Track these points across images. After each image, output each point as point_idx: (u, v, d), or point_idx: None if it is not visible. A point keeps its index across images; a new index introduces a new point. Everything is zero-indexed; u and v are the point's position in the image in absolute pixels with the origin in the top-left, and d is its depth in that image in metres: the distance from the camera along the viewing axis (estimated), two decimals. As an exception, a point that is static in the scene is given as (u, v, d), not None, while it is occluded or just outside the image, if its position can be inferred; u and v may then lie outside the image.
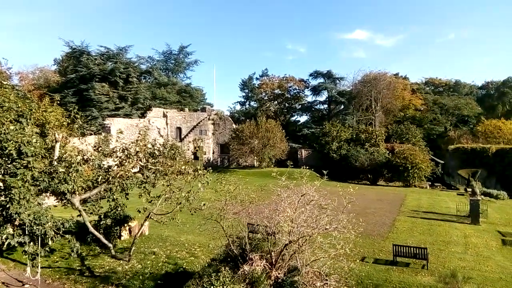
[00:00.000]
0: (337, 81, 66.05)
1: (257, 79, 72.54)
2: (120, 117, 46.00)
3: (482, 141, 49.87)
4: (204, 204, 13.17)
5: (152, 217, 13.99)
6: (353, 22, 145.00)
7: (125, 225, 16.72)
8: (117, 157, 14.85)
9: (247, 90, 72.12)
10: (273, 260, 10.65)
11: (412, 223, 21.38)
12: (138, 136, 15.11)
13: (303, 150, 50.71)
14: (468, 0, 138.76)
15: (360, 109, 60.24)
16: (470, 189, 28.63)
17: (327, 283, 9.82)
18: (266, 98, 70.36)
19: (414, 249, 14.07)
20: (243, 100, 73.75)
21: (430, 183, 41.46)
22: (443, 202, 28.95)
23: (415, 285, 12.42)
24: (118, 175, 14.41)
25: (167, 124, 51.23)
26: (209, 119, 52.11)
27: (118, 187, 14.41)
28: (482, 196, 29.28)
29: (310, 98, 69.20)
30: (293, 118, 72.20)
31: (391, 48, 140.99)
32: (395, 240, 17.32)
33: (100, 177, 14.13)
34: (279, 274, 10.32)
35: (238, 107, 74.92)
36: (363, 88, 58.36)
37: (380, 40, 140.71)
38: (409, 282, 12.61)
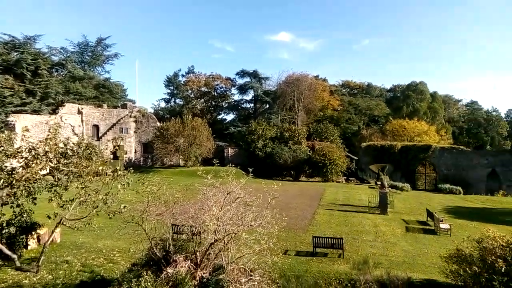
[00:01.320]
0: (263, 81, 67.76)
1: (183, 76, 71.08)
2: (27, 113, 41.25)
3: (390, 138, 55.53)
4: (124, 207, 12.43)
5: (64, 223, 12.81)
6: (278, 25, 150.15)
7: (33, 233, 15.09)
8: (22, 157, 13.25)
9: (172, 87, 70.19)
10: (198, 260, 10.53)
11: (330, 215, 22.91)
12: (48, 135, 13.67)
13: (229, 148, 51.02)
14: (381, 12, 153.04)
15: (284, 108, 62.65)
16: (379, 183, 31.59)
17: (251, 278, 10.01)
18: (192, 95, 69.22)
19: (332, 239, 15.11)
20: (168, 97, 71.71)
21: (345, 177, 44.88)
22: (357, 195, 31.54)
23: (332, 273, 13.34)
24: (23, 178, 12.86)
25: (82, 121, 47.38)
26: (130, 116, 49.48)
27: (23, 191, 12.87)
28: (390, 189, 32.53)
29: (237, 97, 70.10)
30: (220, 117, 72.30)
31: (313, 51, 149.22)
32: (315, 232, 18.38)
33: (2, 180, 12.49)
34: (204, 273, 10.24)
35: (163, 104, 72.66)
36: (287, 89, 60.81)
37: (303, 43, 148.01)
38: (327, 271, 13.50)
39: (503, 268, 9.92)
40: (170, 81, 70.05)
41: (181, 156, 46.27)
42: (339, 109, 71.51)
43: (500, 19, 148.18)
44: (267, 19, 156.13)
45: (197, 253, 10.61)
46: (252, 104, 69.44)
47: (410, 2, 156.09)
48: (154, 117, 52.22)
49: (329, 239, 15.18)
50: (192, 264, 10.47)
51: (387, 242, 17.63)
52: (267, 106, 67.75)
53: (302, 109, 62.04)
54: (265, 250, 10.17)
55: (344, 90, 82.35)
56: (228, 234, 10.03)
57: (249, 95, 67.76)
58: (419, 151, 44.97)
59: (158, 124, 49.40)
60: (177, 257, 10.37)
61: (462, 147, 46.91)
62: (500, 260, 10.15)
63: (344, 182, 43.23)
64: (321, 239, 15.24)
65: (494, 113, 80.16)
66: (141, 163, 49.41)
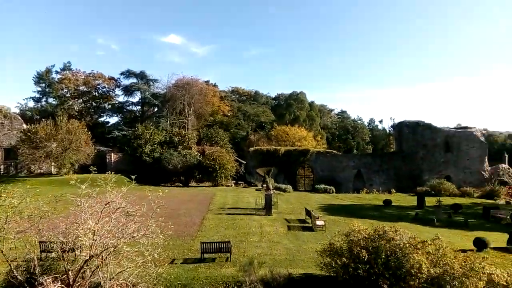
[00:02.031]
0: (151, 83, 64.96)
1: (57, 72, 63.18)
2: None
3: (274, 143, 59.27)
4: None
5: None
6: (169, 26, 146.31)
7: None
8: None
9: (44, 85, 61.57)
10: (71, 280, 9.37)
11: (219, 219, 23.14)
12: None
13: (113, 154, 47.28)
14: (270, 24, 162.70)
15: (174, 112, 61.21)
16: (265, 185, 33.33)
17: (134, 294, 9.37)
18: (68, 95, 62.13)
19: (219, 244, 15.24)
20: (38, 96, 62.58)
21: (235, 181, 46.09)
22: (245, 198, 32.64)
23: (219, 277, 13.43)
24: None
25: None
26: (-13, 116, 41.70)
27: None
28: (274, 191, 34.61)
29: (121, 98, 65.53)
30: (102, 119, 66.61)
31: (204, 56, 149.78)
32: (203, 238, 18.29)
33: None
34: (78, 295, 9.16)
35: (31, 104, 63.15)
36: (177, 92, 59.58)
37: (194, 48, 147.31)
38: (215, 276, 13.54)
39: (365, 257, 11.42)
40: (41, 78, 61.27)
41: (53, 163, 40.94)
42: (229, 114, 73.27)
43: (361, 43, 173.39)
44: (156, 18, 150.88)
45: (69, 272, 9.45)
46: (139, 107, 65.85)
47: (299, 15, 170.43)
48: (20, 118, 45.20)
49: (217, 243, 15.28)
50: (63, 285, 9.26)
51: (271, 241, 18.63)
52: (156, 109, 65.20)
53: (192, 114, 61.58)
54: (149, 262, 9.64)
55: (234, 97, 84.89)
56: (106, 248, 9.18)
57: (136, 97, 64.15)
58: (299, 155, 49.14)
59: (25, 126, 42.74)
60: (44, 279, 9.05)
61: (334, 151, 53.12)
62: (363, 251, 11.67)
63: (233, 186, 44.30)
64: (209, 244, 15.23)
65: (359, 121, 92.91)
66: (2, 172, 42.02)
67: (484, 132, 60.37)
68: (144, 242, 9.58)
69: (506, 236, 19.62)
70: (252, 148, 52.57)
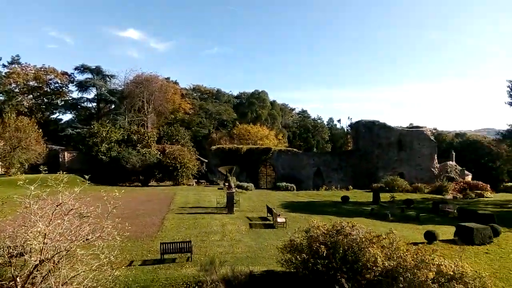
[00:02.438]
0: (108, 79, 62.42)
1: (4, 66, 58.79)
2: None
3: (236, 142, 59.33)
4: None
5: None
6: (128, 21, 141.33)
7: None
8: None
9: (-12, 79, 57.11)
10: (19, 287, 8.78)
11: (179, 219, 22.74)
12: None
13: (66, 153, 44.94)
14: (232, 23, 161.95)
15: (132, 109, 59.32)
16: (227, 184, 33.26)
17: (88, 298, 8.96)
18: (17, 90, 58.11)
19: (180, 244, 14.98)
20: (-19, 90, 57.92)
21: (196, 180, 45.55)
22: (206, 197, 32.35)
23: (180, 278, 13.19)
24: None
25: None
26: None
27: None
28: (236, 189, 34.64)
29: (75, 95, 62.35)
30: (54, 116, 63.05)
31: (164, 52, 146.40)
32: (163, 238, 17.89)
33: None
34: (26, 302, 8.61)
35: (-28, 99, 58.31)
36: (135, 89, 57.74)
37: (154, 43, 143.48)
38: (175, 277, 13.28)
39: (324, 253, 11.72)
40: (-15, 71, 56.88)
41: (0, 163, 38.16)
42: (190, 112, 72.22)
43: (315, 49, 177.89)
44: (115, 12, 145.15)
45: (17, 279, 8.86)
46: (94, 104, 63.00)
47: (261, 15, 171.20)
48: (-41, 114, 41.53)
49: (178, 243, 15.01)
50: (10, 293, 8.68)
51: (233, 240, 18.61)
52: (113, 106, 62.77)
53: (152, 111, 59.99)
54: (105, 264, 9.27)
55: (195, 94, 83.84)
56: (58, 252, 8.72)
57: (91, 94, 61.34)
58: (261, 153, 49.53)
59: (-35, 123, 39.46)
60: (-13, 288, 8.42)
61: (295, 149, 54.04)
62: (322, 246, 11.97)
63: (195, 185, 43.76)
64: (169, 244, 14.92)
65: (319, 121, 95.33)
66: None
67: (433, 131, 64.27)
68: (99, 245, 9.21)
69: (453, 228, 20.97)
70: (214, 147, 52.22)
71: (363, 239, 11.90)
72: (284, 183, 44.81)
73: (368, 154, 50.35)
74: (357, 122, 54.86)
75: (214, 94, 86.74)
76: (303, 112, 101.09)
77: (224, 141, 60.88)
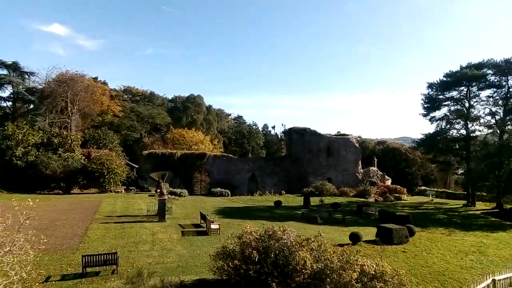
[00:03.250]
0: (26, 76, 56.40)
1: None
2: None
3: (170, 147, 57.58)
4: None
5: None
6: (52, 14, 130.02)
7: None
8: None
9: None
10: None
11: (105, 229, 21.28)
12: None
13: (-29, 157, 39.53)
14: (168, 24, 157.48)
15: (54, 110, 54.46)
16: (159, 190, 32.03)
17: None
18: None
19: (104, 255, 13.97)
20: None
21: (125, 187, 43.19)
22: (136, 205, 30.83)
23: (104, 292, 12.31)
24: None
25: None
26: None
27: None
28: (169, 196, 33.59)
29: (-14, 92, 55.16)
30: (-43, 115, 55.11)
31: (93, 50, 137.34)
32: (86, 250, 16.56)
33: None
34: None
35: None
36: (58, 88, 53.06)
37: (82, 40, 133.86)
38: (98, 291, 12.35)
39: (256, 258, 11.79)
40: None
41: None
42: (120, 115, 68.46)
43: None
44: (37, 5, 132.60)
45: None
46: (9, 103, 56.48)
47: (197, 17, 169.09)
48: None
49: (102, 255, 13.97)
50: None
51: (163, 249, 17.90)
52: (31, 106, 56.87)
53: (77, 113, 55.64)
54: (16, 282, 8.27)
55: (126, 96, 79.77)
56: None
57: (6, 92, 54.81)
58: (196, 158, 48.74)
59: None
60: None
61: (230, 155, 54.17)
62: (255, 251, 12.04)
63: (123, 191, 41.47)
64: (92, 257, 13.81)
65: (254, 126, 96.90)
66: None
67: (358, 139, 69.07)
68: (9, 261, 8.21)
69: (375, 230, 22.64)
70: (146, 152, 50.13)
71: (294, 243, 12.23)
72: (219, 189, 44.57)
73: (300, 160, 52.37)
74: (290, 129, 56.89)
75: (147, 96, 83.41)
76: (239, 117, 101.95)
77: (157, 146, 58.71)
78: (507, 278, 14.29)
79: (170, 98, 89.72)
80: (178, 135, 62.74)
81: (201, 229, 22.80)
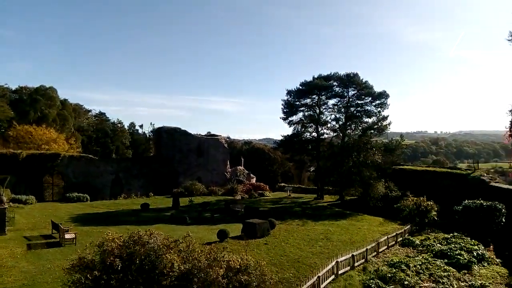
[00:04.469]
0: None
1: None
2: None
3: (13, 146, 48.45)
4: None
5: None
6: None
7: None
8: None
9: None
10: None
11: None
12: None
13: None
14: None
15: None
16: (-4, 198, 26.69)
17: None
18: None
19: None
20: None
21: None
22: (-38, 217, 24.96)
23: None
24: None
25: None
26: None
27: None
28: (11, 203, 28.45)
29: None
30: None
31: None
32: None
33: None
34: None
35: None
36: None
37: None
38: None
39: (119, 266, 10.97)
40: None
41: None
42: None
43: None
44: None
45: None
46: None
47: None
48: None
49: None
50: None
51: (3, 267, 15.05)
52: None
53: None
54: None
55: None
56: None
57: None
58: (47, 160, 42.37)
59: None
60: None
61: (90, 155, 48.99)
62: (117, 259, 11.17)
63: None
64: None
65: (119, 125, 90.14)
66: None
67: (227, 139, 71.82)
68: None
69: (241, 225, 23.86)
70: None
71: (161, 246, 11.86)
72: (76, 194, 39.90)
73: (170, 160, 51.23)
74: (159, 129, 55.12)
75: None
76: (101, 114, 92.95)
77: (-7, 145, 48.74)
78: (347, 259, 17.10)
79: (13, 88, 75.72)
80: (24, 132, 53.43)
81: (53, 240, 20.06)
